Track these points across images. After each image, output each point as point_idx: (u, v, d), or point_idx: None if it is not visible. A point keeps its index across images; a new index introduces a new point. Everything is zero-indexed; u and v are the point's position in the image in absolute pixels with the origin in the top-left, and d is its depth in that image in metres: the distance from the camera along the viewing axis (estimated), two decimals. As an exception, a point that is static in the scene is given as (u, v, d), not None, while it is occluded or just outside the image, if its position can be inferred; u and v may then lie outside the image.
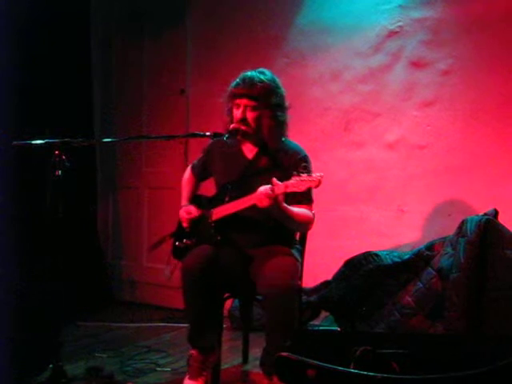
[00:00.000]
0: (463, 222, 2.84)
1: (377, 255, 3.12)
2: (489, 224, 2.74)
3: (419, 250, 3.03)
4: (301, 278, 2.62)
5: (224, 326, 2.88)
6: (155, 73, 4.43)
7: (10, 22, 3.39)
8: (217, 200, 2.65)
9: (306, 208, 2.50)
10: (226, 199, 2.57)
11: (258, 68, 2.60)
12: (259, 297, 2.50)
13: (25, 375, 2.65)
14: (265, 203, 2.28)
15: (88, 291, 4.04)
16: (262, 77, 2.52)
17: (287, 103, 2.60)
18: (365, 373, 1.69)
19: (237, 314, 3.51)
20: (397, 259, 3.07)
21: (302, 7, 3.82)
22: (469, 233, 2.75)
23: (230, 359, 3.07)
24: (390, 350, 1.89)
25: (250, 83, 2.50)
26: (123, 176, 4.63)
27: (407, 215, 3.49)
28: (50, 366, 2.53)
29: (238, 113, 2.53)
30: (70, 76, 4.02)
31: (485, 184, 3.24)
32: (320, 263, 3.41)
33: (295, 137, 2.69)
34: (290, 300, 2.34)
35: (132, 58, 4.54)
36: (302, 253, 2.69)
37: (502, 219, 2.84)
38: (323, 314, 3.46)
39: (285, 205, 2.35)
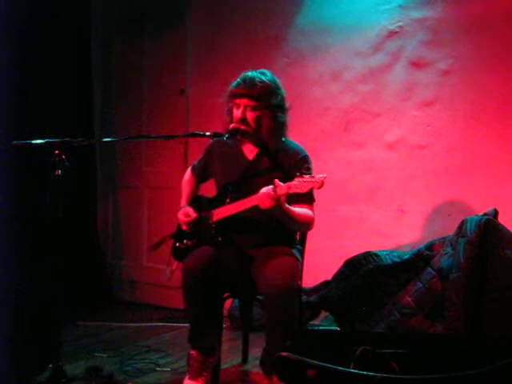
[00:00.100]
0: (463, 222, 2.84)
1: (377, 255, 3.12)
2: (489, 224, 2.74)
3: (419, 250, 3.03)
4: (301, 278, 2.62)
5: (224, 325, 2.87)
6: (155, 73, 4.43)
7: (10, 21, 3.39)
8: (217, 201, 2.64)
9: (307, 208, 2.50)
10: (227, 200, 2.56)
11: (259, 68, 2.60)
12: (259, 297, 2.50)
13: (25, 375, 2.65)
14: (267, 204, 2.27)
15: (88, 291, 4.04)
16: (262, 77, 2.53)
17: (287, 104, 2.60)
18: (365, 373, 1.69)
19: (237, 314, 3.50)
20: (397, 259, 3.07)
21: (302, 7, 3.82)
22: (469, 233, 2.75)
23: (229, 359, 3.07)
24: (390, 350, 1.88)
25: (250, 83, 2.50)
26: (123, 176, 4.62)
27: (407, 215, 3.49)
28: (50, 365, 2.53)
29: (238, 113, 2.53)
30: (70, 76, 4.01)
31: (485, 184, 3.24)
32: (320, 263, 3.41)
33: (295, 137, 2.69)
34: (290, 300, 2.33)
35: (132, 58, 4.54)
36: (302, 253, 2.69)
37: (501, 219, 2.84)
38: (323, 313, 3.47)
39: (287, 206, 2.35)
